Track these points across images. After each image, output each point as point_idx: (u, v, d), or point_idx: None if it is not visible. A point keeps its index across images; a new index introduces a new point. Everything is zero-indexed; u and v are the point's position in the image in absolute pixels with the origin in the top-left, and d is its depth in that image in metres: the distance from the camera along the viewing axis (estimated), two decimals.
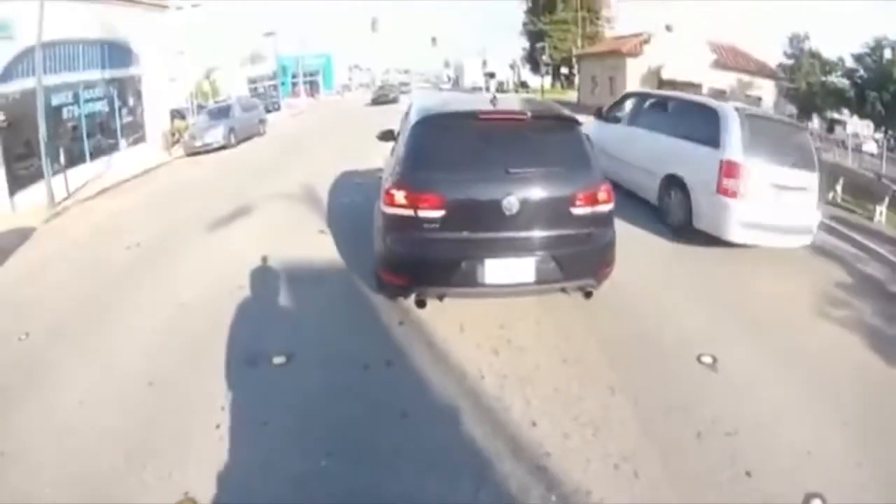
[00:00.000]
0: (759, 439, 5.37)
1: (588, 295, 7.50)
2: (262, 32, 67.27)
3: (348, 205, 13.46)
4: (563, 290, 7.38)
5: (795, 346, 7.40)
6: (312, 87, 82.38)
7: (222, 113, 31.22)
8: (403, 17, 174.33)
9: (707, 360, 6.74)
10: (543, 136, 7.36)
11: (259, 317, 8.00)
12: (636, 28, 48.22)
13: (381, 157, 10.71)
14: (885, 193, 16.85)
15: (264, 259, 9.98)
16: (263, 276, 9.39)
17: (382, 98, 57.90)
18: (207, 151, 27.47)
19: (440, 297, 7.30)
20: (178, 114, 35.08)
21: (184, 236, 12.45)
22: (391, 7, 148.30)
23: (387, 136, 9.79)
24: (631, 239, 9.68)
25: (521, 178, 6.82)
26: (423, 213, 6.76)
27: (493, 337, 7.12)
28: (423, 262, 6.96)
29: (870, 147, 37.00)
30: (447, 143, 7.10)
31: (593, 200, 7.00)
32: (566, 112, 8.10)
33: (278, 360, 6.72)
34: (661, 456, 5.11)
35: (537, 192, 6.85)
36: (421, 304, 7.31)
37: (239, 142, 29.08)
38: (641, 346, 7.03)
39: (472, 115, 7.50)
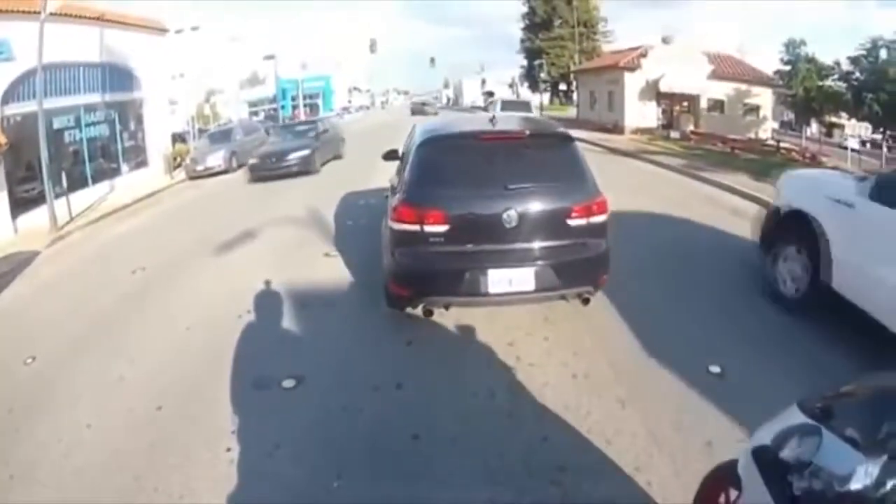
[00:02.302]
0: None
1: (586, 301, 7.83)
2: (263, 55, 67.66)
3: (353, 227, 13.52)
4: (563, 297, 7.76)
5: None
6: (312, 110, 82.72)
7: (223, 137, 31.22)
8: (402, 39, 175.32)
9: None
10: (540, 153, 7.85)
11: (267, 340, 7.99)
12: (634, 42, 48.34)
13: (384, 178, 10.69)
14: None
15: (269, 283, 9.97)
16: (270, 300, 9.34)
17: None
18: (209, 175, 27.46)
19: (446, 307, 7.81)
20: (179, 137, 35.20)
21: (189, 260, 12.45)
22: (390, 29, 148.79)
23: (391, 155, 10.33)
24: None
25: (520, 192, 7.24)
26: (428, 228, 7.18)
27: (502, 354, 7.16)
28: (429, 274, 7.38)
29: (853, 143, 37.78)
30: (450, 162, 7.60)
31: (588, 212, 7.38)
32: (561, 129, 8.64)
33: (287, 383, 6.69)
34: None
35: (535, 206, 7.28)
36: (428, 313, 7.82)
37: (240, 166, 28.78)
38: None
39: (472, 136, 8.01)
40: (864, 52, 33.91)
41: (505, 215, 7.15)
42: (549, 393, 6.30)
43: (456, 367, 6.90)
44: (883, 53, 32.98)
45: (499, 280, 7.24)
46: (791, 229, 8.10)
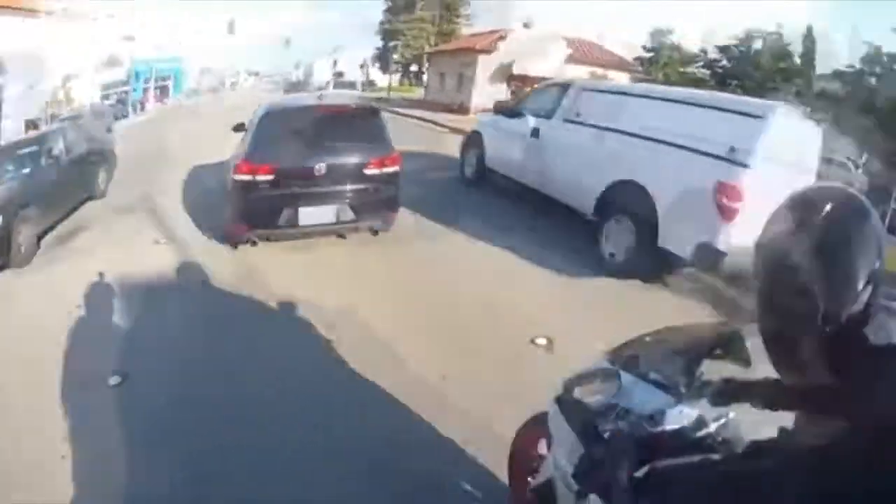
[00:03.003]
0: None
1: (375, 233, 10.84)
2: (122, 36, 65.35)
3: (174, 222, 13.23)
4: (357, 229, 10.65)
5: None
6: (162, 93, 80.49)
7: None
8: (259, 20, 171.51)
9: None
10: (352, 121, 10.77)
11: (96, 337, 7.75)
12: (497, 26, 48.90)
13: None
14: None
15: (101, 275, 9.54)
16: (100, 295, 9.01)
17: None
18: None
19: (268, 238, 10.44)
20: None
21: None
22: (248, 9, 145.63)
23: (239, 127, 12.14)
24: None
25: (330, 150, 10.11)
26: (258, 178, 9.81)
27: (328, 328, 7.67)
28: (257, 212, 9.95)
29: None
30: (281, 128, 10.51)
31: (382, 164, 10.32)
32: (371, 104, 12.40)
33: (114, 380, 6.62)
34: None
35: (341, 160, 10.13)
36: (253, 243, 10.37)
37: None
38: None
39: (301, 108, 11.33)
40: (736, 42, 35.50)
41: (316, 167, 9.94)
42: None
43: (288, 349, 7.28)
44: (758, 45, 34.66)
45: (308, 215, 10.04)
46: (472, 141, 15.88)
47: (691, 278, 10.14)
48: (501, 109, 15.16)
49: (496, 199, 14.20)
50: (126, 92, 66.35)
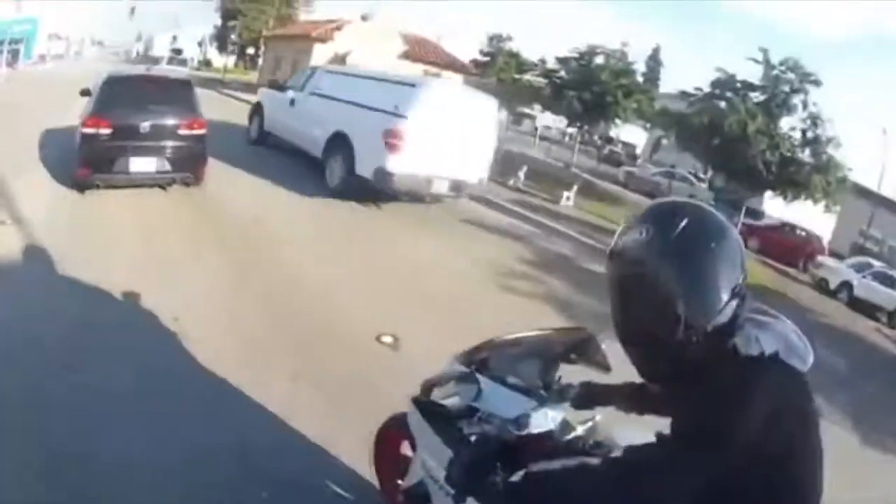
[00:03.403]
0: None
1: (187, 184, 12.93)
2: None
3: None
4: (174, 180, 12.81)
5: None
6: (14, 57, 76.19)
7: None
8: None
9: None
10: (171, 90, 13.51)
11: None
12: (337, 14, 48.57)
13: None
14: (574, 181, 18.74)
15: None
16: None
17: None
18: None
19: (108, 186, 12.18)
20: None
21: None
22: None
23: (85, 92, 13.87)
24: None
25: (154, 112, 12.40)
26: (100, 131, 11.87)
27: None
28: (98, 159, 11.96)
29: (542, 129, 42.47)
30: (118, 92, 12.62)
31: (191, 127, 12.78)
32: (185, 77, 15.98)
33: None
34: None
35: (161, 121, 12.43)
36: (97, 186, 12.04)
37: None
38: None
39: (133, 77, 14.40)
40: (576, 55, 36.34)
41: (142, 125, 12.18)
42: None
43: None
44: (599, 59, 35.66)
45: (136, 164, 12.26)
46: (255, 110, 19.87)
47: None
48: (273, 85, 20.62)
49: (270, 152, 18.63)
50: None
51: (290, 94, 18.27)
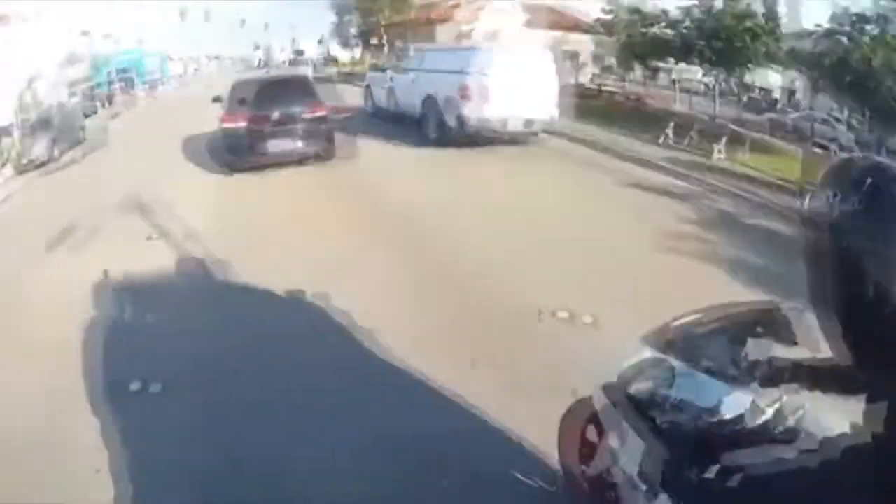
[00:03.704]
0: None
1: (319, 158, 17.00)
2: (79, 32, 64.39)
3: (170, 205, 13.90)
4: (307, 156, 16.75)
5: None
6: (127, 85, 79.33)
7: (42, 125, 29.20)
8: (212, 2, 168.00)
9: None
10: (290, 85, 17.96)
11: (112, 342, 7.68)
12: None
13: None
14: (723, 133, 18.71)
15: (103, 275, 9.81)
16: (105, 297, 9.14)
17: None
18: (35, 167, 26.04)
19: (250, 166, 16.40)
20: (4, 132, 34.01)
21: (19, 261, 11.73)
22: None
23: (217, 99, 19.23)
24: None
25: (279, 103, 16.44)
26: (238, 124, 16.06)
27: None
28: (239, 146, 16.15)
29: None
30: (246, 93, 16.70)
31: (315, 111, 16.65)
32: (301, 74, 22.54)
33: (135, 386, 6.57)
34: None
35: (290, 109, 16.44)
36: (240, 169, 16.41)
37: (62, 153, 27.86)
38: None
39: (257, 80, 18.31)
40: (696, 2, 35.36)
41: (271, 115, 16.24)
42: None
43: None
44: (719, 3, 34.62)
45: (272, 145, 16.28)
46: (366, 90, 26.84)
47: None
48: (376, 68, 30.17)
49: (383, 121, 24.31)
50: (91, 87, 65.51)
51: (390, 73, 24.63)
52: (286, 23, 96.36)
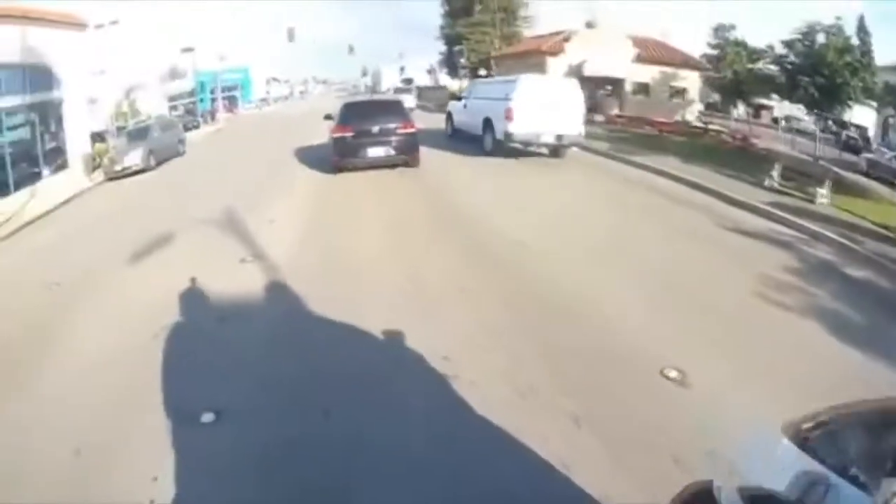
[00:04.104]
0: None
1: (406, 164, 19.67)
2: (181, 48, 65.70)
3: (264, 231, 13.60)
4: (397, 162, 19.45)
5: None
6: (231, 103, 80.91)
7: (140, 135, 30.08)
8: (319, 26, 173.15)
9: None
10: (387, 107, 21.31)
11: (184, 366, 7.44)
12: (555, 27, 48.29)
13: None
14: (826, 176, 17.21)
15: (184, 295, 9.69)
16: (185, 317, 8.96)
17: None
18: (127, 175, 26.60)
19: (352, 168, 19.44)
20: (99, 137, 34.12)
21: (104, 273, 11.98)
22: (307, 16, 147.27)
23: (328, 116, 22.76)
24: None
25: (379, 119, 19.30)
26: (345, 134, 18.99)
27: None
28: (345, 151, 19.16)
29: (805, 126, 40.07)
30: (353, 111, 20.22)
31: (405, 127, 19.54)
32: (396, 98, 27.93)
33: (208, 417, 6.25)
34: None
35: (385, 125, 19.22)
36: (345, 169, 19.48)
37: (158, 163, 28.41)
38: None
39: (362, 101, 24.02)
40: (799, 37, 34.04)
41: (371, 128, 18.95)
42: None
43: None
44: (820, 38, 33.23)
45: (371, 152, 19.02)
46: (448, 116, 29.27)
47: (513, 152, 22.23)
48: (454, 97, 33.66)
49: (458, 140, 26.78)
50: (193, 103, 66.68)
51: (462, 101, 28.54)
52: (395, 51, 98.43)
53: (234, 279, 10.16)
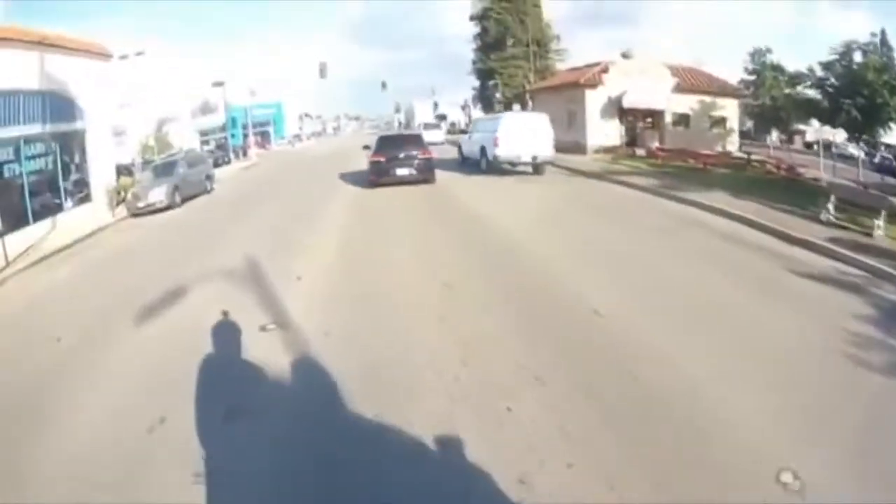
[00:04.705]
0: None
1: (426, 181, 26.60)
2: (212, 82, 65.69)
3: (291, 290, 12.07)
4: (419, 181, 26.39)
5: None
6: (263, 138, 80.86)
7: (166, 170, 29.56)
8: (351, 63, 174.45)
9: None
10: (411, 139, 29.49)
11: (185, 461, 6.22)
12: (585, 60, 48.60)
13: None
14: (881, 206, 15.93)
15: (196, 375, 8.02)
16: (193, 399, 7.50)
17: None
18: (151, 212, 25.94)
19: (381, 185, 26.16)
20: (125, 170, 33.44)
21: (111, 327, 10.87)
22: (338, 53, 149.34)
23: (366, 147, 31.97)
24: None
25: (406, 148, 27.34)
26: (379, 159, 26.72)
27: None
28: (379, 172, 26.67)
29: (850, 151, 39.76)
30: (386, 142, 28.17)
31: (425, 154, 27.07)
32: (419, 133, 37.07)
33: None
34: None
35: (410, 152, 27.01)
36: (378, 185, 26.44)
37: (184, 200, 27.81)
38: None
39: (392, 135, 32.15)
40: (836, 57, 32.79)
41: (399, 155, 26.71)
42: None
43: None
44: (857, 57, 31.97)
45: (399, 172, 26.39)
46: (459, 147, 38.40)
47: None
48: (462, 132, 54.35)
49: (466, 165, 34.11)
50: (225, 138, 66.52)
51: (468, 135, 37.44)
52: (428, 86, 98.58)
53: (249, 353, 8.64)
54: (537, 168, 29.96)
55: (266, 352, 8.59)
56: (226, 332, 9.31)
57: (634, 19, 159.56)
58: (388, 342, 8.90)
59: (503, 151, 29.01)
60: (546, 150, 29.39)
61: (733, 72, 45.69)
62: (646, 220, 17.94)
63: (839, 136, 38.27)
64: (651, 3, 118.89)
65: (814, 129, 43.45)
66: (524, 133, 29.05)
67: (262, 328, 9.69)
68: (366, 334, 9.28)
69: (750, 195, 19.88)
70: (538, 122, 30.27)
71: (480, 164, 31.20)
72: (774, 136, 48.81)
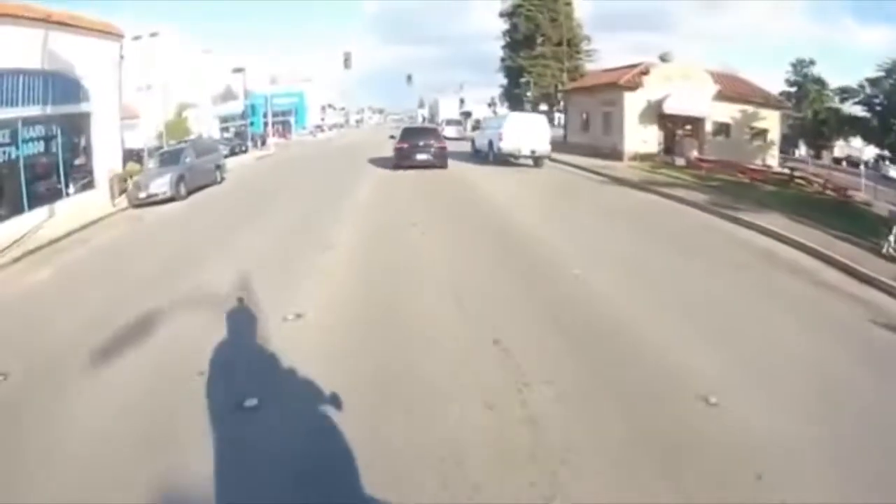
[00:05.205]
0: None
1: (442, 167, 33.20)
2: (232, 68, 64.43)
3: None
4: (436, 166, 33.10)
5: None
6: (284, 128, 79.57)
7: (172, 158, 27.65)
8: (376, 57, 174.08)
9: None
10: (430, 131, 41.03)
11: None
12: (615, 62, 47.76)
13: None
14: None
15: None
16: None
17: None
18: (152, 203, 24.09)
19: (404, 168, 33.10)
20: (135, 156, 31.91)
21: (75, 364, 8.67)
22: (364, 46, 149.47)
23: (392, 136, 45.47)
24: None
25: (425, 138, 35.57)
26: (403, 146, 34.20)
27: None
28: (402, 157, 33.79)
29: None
30: (409, 132, 37.69)
31: (440, 144, 34.53)
32: (436, 126, 59.12)
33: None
34: None
35: (428, 142, 34.58)
36: (401, 168, 33.32)
37: (190, 192, 26.04)
38: None
39: (414, 127, 50.27)
40: (883, 74, 31.03)
41: (419, 143, 34.18)
42: None
43: None
44: None
45: (418, 158, 33.33)
46: (472, 142, 45.29)
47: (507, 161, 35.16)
48: (475, 128, 58.88)
49: (477, 157, 39.11)
50: (244, 126, 65.07)
51: (479, 131, 43.91)
52: (455, 82, 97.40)
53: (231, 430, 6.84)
54: (536, 161, 35.38)
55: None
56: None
57: (657, 25, 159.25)
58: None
59: (507, 145, 34.66)
60: (543, 146, 35.02)
61: (776, 81, 43.88)
62: (705, 246, 15.80)
63: (867, 153, 36.82)
64: (674, 9, 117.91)
65: (840, 145, 41.95)
66: (525, 131, 34.95)
67: (236, 408, 7.26)
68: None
69: (807, 219, 18.13)
70: (537, 121, 37.13)
71: (488, 156, 36.91)
72: (803, 150, 47.22)
